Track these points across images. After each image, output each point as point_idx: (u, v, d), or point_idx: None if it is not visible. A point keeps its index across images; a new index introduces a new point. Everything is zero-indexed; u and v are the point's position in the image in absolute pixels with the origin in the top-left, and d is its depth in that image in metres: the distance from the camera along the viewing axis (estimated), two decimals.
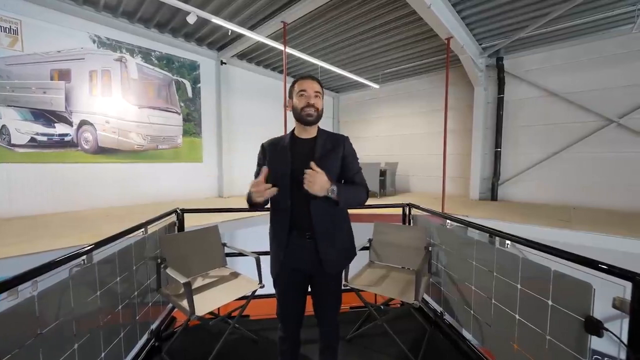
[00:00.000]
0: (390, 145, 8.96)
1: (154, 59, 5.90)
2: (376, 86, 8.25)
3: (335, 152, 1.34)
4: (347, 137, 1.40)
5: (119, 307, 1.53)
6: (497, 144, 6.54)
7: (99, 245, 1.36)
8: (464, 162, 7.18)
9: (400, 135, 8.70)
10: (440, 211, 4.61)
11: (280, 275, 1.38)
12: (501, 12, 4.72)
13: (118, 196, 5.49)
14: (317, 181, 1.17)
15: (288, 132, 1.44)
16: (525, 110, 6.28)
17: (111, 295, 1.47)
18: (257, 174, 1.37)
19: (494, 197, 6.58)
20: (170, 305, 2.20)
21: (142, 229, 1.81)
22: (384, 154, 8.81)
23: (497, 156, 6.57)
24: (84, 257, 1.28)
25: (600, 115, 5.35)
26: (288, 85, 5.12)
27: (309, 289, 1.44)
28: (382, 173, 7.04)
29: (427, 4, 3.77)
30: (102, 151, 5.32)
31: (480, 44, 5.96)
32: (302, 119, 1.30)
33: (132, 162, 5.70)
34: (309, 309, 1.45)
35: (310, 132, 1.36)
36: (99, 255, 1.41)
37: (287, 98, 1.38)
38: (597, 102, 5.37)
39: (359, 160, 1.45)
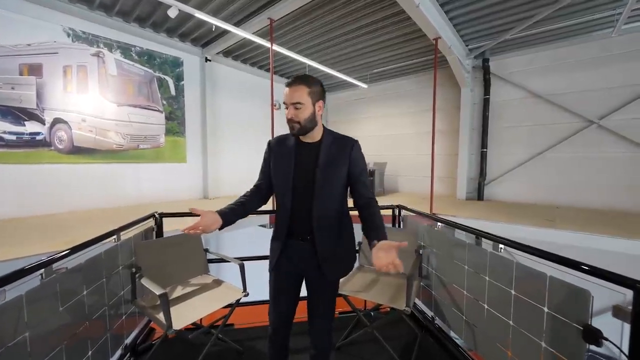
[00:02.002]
0: (378, 145, 8.96)
1: (134, 55, 5.65)
2: (364, 86, 8.23)
3: (340, 158, 1.28)
4: (356, 141, 1.32)
5: (87, 322, 1.39)
6: (483, 144, 6.63)
7: (61, 257, 1.23)
8: (451, 162, 7.25)
9: (389, 135, 8.72)
10: (429, 212, 4.62)
11: (276, 275, 1.38)
12: (488, 13, 4.77)
13: (97, 198, 5.22)
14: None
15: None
16: (510, 111, 6.39)
17: (77, 310, 1.34)
18: (262, 170, 1.42)
19: (480, 197, 6.67)
20: None
21: (114, 236, 1.67)
22: (372, 154, 8.79)
23: (483, 156, 6.66)
24: (42, 270, 1.14)
25: (582, 116, 5.50)
26: (275, 85, 4.96)
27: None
28: (371, 173, 7.02)
29: (415, 3, 3.74)
30: (78, 151, 5.03)
31: (467, 45, 6.02)
32: (290, 130, 1.29)
33: (111, 162, 5.43)
34: (302, 315, 1.42)
35: (313, 136, 1.29)
36: (66, 264, 1.28)
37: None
38: (579, 104, 5.52)
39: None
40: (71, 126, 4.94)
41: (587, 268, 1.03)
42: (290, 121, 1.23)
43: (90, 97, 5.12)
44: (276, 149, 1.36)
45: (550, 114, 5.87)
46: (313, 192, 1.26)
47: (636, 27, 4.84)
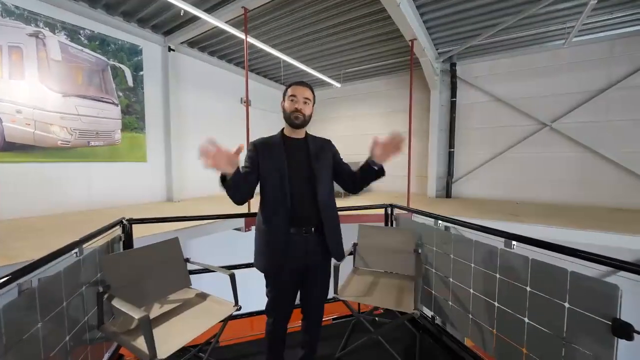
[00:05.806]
0: (351, 144, 8.95)
1: (82, 39, 4.94)
2: (338, 85, 8.19)
3: (325, 152, 1.52)
4: (330, 140, 1.60)
5: None
6: (451, 144, 6.98)
7: (4, 282, 0.93)
8: (421, 161, 7.52)
9: (361, 135, 8.80)
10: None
11: (278, 276, 1.42)
12: (458, 19, 4.99)
13: (37, 204, 4.46)
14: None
15: (261, 133, 1.60)
16: (474, 113, 6.80)
17: (29, 348, 1.03)
18: (248, 164, 1.41)
19: (448, 194, 7.01)
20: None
21: (76, 250, 1.35)
22: (345, 154, 8.65)
23: (450, 156, 7.01)
24: None
25: (536, 119, 6.04)
26: (250, 81, 4.66)
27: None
28: None
29: (397, 1, 3.75)
30: (12, 148, 4.26)
31: (437, 49, 6.26)
32: (290, 122, 1.41)
33: (55, 161, 4.69)
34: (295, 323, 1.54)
35: (300, 134, 1.48)
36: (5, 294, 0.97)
37: (281, 100, 1.47)
38: (534, 108, 6.06)
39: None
40: (1, 118, 4.16)
41: (617, 264, 1.03)
42: (297, 111, 1.38)
43: (27, 85, 4.36)
44: (262, 147, 1.42)
45: (509, 117, 6.36)
46: (315, 181, 1.39)
47: (584, 40, 5.45)
